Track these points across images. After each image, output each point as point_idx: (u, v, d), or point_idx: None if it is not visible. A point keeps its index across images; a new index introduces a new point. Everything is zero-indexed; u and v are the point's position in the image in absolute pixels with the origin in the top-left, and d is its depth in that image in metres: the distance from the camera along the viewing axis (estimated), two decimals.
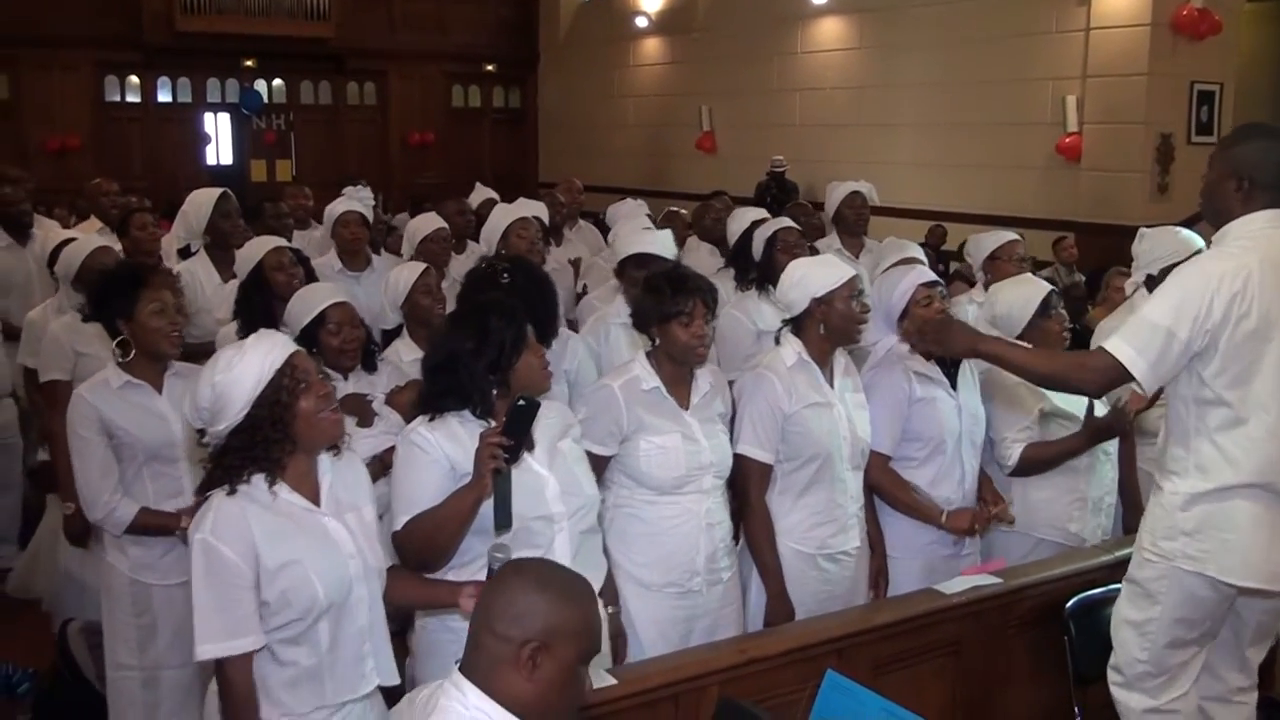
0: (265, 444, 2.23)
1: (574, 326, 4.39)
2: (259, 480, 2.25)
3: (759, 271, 4.43)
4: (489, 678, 1.78)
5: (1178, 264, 2.99)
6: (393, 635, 2.47)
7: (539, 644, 1.76)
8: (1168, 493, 2.79)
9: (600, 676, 2.52)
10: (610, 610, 2.89)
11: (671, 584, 3.08)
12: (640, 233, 4.32)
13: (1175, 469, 2.79)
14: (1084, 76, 9.34)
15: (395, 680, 2.41)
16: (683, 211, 6.87)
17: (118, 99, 14.25)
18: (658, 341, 3.11)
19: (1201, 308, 2.65)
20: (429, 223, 5.00)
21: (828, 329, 3.27)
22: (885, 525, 3.48)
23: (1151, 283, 3.67)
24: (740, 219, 4.93)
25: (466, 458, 2.50)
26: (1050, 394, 3.46)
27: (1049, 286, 3.62)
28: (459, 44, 15.63)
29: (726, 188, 8.09)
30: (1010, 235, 4.66)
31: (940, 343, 3.11)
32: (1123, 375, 2.71)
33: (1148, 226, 4.01)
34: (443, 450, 2.55)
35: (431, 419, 2.60)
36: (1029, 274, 3.93)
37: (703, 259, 5.47)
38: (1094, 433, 3.44)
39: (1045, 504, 3.56)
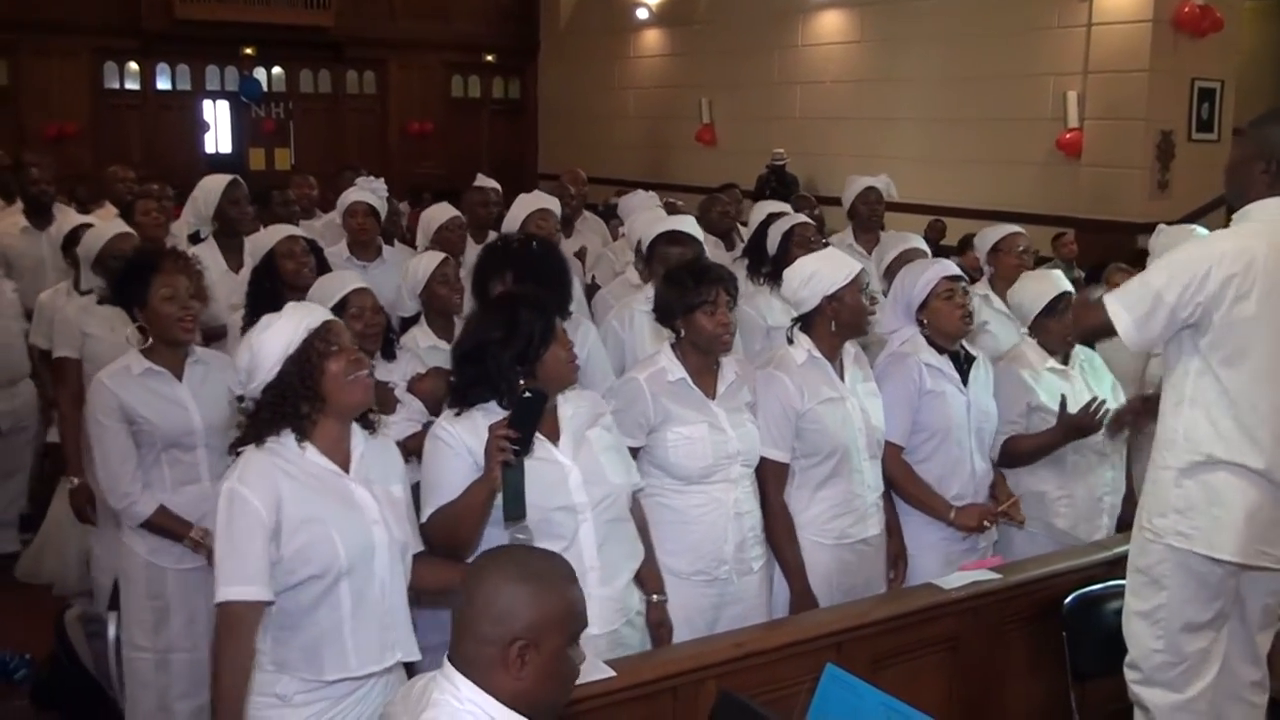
0: (294, 400, 2.31)
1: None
2: (289, 439, 2.32)
3: (773, 266, 4.39)
4: (479, 675, 1.77)
5: None
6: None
7: (525, 641, 1.74)
8: (1159, 467, 2.82)
9: (598, 668, 2.52)
10: (655, 599, 2.91)
11: (700, 572, 3.09)
12: (664, 216, 4.34)
13: (1167, 438, 2.81)
14: (1085, 72, 9.32)
15: (417, 656, 2.43)
16: (679, 204, 6.84)
17: (116, 86, 14.11)
18: (683, 333, 3.12)
19: (1194, 279, 2.68)
20: (443, 212, 5.02)
21: (838, 324, 3.29)
22: (902, 519, 3.50)
23: None
24: (760, 211, 4.93)
25: None
26: (1038, 389, 3.55)
27: (1066, 289, 3.65)
28: (459, 33, 15.55)
29: (726, 180, 8.08)
30: (1013, 228, 4.66)
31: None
32: (1109, 327, 2.79)
33: (1148, 224, 4.01)
34: (465, 443, 2.58)
35: (458, 413, 2.63)
36: (1057, 272, 3.96)
37: (708, 251, 5.45)
38: (1066, 429, 3.48)
39: (1034, 499, 3.60)
